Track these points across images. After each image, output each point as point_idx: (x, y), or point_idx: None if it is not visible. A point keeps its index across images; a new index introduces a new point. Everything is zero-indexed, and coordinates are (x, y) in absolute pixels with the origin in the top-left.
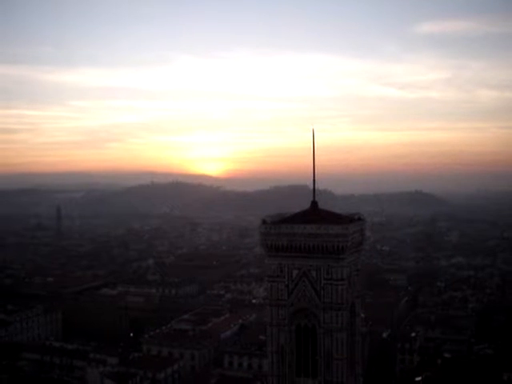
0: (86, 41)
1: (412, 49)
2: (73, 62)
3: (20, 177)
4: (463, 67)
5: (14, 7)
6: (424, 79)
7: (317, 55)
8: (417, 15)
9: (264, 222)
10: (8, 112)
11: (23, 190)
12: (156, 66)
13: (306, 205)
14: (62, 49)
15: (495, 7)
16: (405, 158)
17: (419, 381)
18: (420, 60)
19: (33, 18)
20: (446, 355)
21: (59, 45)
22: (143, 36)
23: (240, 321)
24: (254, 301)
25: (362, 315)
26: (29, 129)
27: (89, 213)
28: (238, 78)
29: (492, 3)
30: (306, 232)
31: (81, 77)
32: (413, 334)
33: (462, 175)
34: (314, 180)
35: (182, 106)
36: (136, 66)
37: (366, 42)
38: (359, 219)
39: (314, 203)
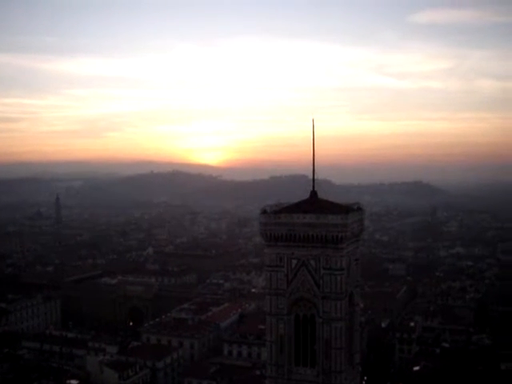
0: (85, 30)
1: (413, 38)
2: (72, 51)
3: (19, 166)
4: (465, 57)
5: None
6: (425, 69)
7: (317, 44)
8: (418, 4)
9: (264, 211)
10: (7, 101)
11: (23, 179)
12: (155, 54)
13: (306, 194)
14: (62, 38)
15: None
16: (405, 148)
17: (417, 370)
18: (421, 49)
19: (33, 7)
20: (445, 345)
21: (58, 34)
22: (142, 25)
23: (239, 310)
24: (253, 290)
25: (361, 305)
26: (28, 118)
27: (88, 202)
28: (237, 67)
29: None
30: (305, 222)
31: (80, 66)
32: (411, 324)
33: (462, 166)
34: (313, 170)
35: (181, 95)
36: (135, 54)
37: (366, 30)
38: (358, 209)
39: (314, 193)
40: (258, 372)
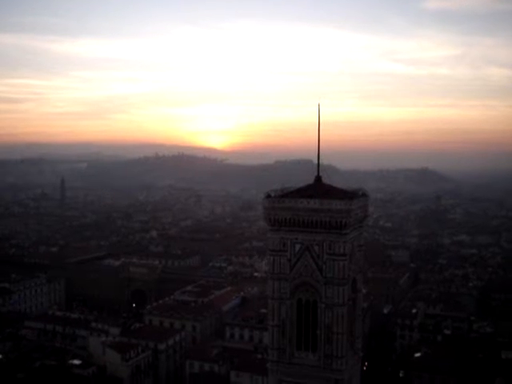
0: (90, 12)
1: (421, 24)
2: (77, 32)
3: (24, 147)
4: (474, 44)
5: None
6: (433, 55)
7: (325, 29)
8: None
9: (268, 195)
10: (13, 81)
11: (27, 160)
12: (160, 36)
13: (310, 179)
14: (67, 19)
15: None
16: (412, 134)
17: (418, 357)
18: (430, 36)
19: None
20: (446, 332)
21: (63, 15)
22: (148, 7)
23: (242, 293)
24: (255, 274)
25: (364, 291)
26: (33, 98)
27: (93, 184)
28: (243, 50)
29: None
30: (309, 207)
31: (85, 47)
32: (413, 311)
33: (469, 153)
34: (318, 155)
35: (187, 78)
36: (140, 36)
37: (375, 16)
38: (363, 195)
39: (318, 178)
40: (259, 355)
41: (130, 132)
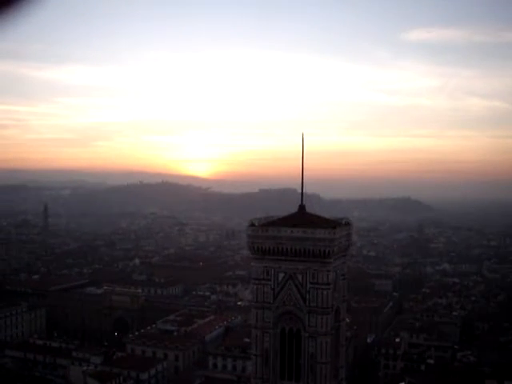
0: (74, 39)
1: (403, 55)
2: (61, 59)
3: (7, 173)
4: (453, 75)
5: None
6: (414, 86)
7: (308, 58)
8: (408, 22)
9: (252, 224)
10: None
11: (10, 187)
12: (145, 64)
13: (294, 208)
14: (51, 46)
15: (485, 17)
16: (394, 163)
17: None
18: (411, 67)
19: (21, 14)
20: (430, 361)
21: (48, 42)
22: (132, 34)
23: (225, 323)
24: (239, 303)
25: (347, 320)
26: (17, 125)
27: (76, 211)
28: (228, 79)
29: (483, 13)
30: (293, 235)
31: (69, 74)
32: (397, 340)
33: (449, 183)
34: (302, 184)
35: (172, 106)
36: (126, 64)
37: (357, 47)
38: (346, 224)
39: (302, 207)
40: None
41: (113, 159)
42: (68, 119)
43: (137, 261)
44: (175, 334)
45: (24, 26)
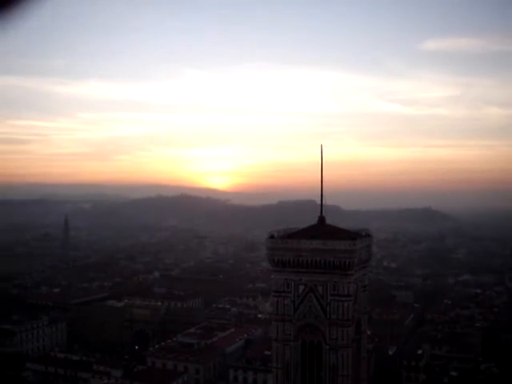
0: (96, 54)
1: (419, 66)
2: (83, 74)
3: (29, 187)
4: (471, 84)
5: (25, 20)
6: (431, 96)
7: (324, 71)
8: (423, 32)
9: (271, 236)
10: (17, 123)
11: (32, 201)
12: (165, 79)
13: (314, 220)
14: (73, 62)
15: (502, 26)
16: (413, 174)
17: None
18: (427, 77)
19: (45, 30)
20: (453, 373)
21: (70, 58)
22: (152, 50)
23: (245, 335)
24: (259, 315)
25: (368, 332)
26: (38, 140)
27: (96, 224)
28: (245, 92)
29: (500, 22)
30: (313, 247)
31: (90, 89)
32: (419, 352)
33: (470, 192)
34: (321, 195)
35: (190, 119)
36: (145, 79)
37: (372, 58)
38: (366, 235)
39: (322, 218)
40: None
41: (133, 173)
42: (88, 133)
43: (157, 274)
44: (196, 346)
45: (46, 42)
